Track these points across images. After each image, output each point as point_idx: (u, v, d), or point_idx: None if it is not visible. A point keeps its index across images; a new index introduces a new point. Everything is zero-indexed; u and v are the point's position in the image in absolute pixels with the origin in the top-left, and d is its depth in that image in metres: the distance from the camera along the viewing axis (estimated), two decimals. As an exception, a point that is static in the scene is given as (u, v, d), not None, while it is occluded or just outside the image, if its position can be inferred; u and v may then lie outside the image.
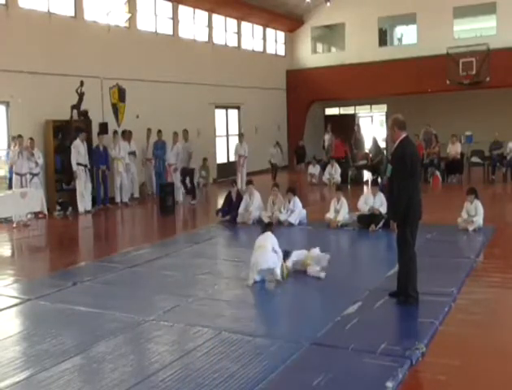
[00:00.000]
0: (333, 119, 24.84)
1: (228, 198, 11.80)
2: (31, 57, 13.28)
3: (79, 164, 13.31)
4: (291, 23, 24.33)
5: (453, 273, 7.02)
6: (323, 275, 7.04)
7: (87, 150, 13.59)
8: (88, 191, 13.65)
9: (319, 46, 26.03)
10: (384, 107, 25.82)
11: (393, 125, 5.84)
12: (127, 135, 15.14)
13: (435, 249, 8.50)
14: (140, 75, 16.16)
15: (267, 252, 6.89)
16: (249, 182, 11.99)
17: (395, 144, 5.87)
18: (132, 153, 15.27)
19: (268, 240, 7.04)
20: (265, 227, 7.59)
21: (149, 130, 15.91)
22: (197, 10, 19.34)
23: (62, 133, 13.89)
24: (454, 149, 17.18)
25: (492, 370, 4.55)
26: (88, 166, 13.66)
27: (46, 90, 13.43)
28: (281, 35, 24.57)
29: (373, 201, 10.29)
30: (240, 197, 11.65)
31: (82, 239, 11.50)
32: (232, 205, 11.61)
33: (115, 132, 14.91)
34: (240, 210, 11.33)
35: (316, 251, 7.47)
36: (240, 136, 18.01)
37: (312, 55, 24.71)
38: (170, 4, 18.05)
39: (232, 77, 20.30)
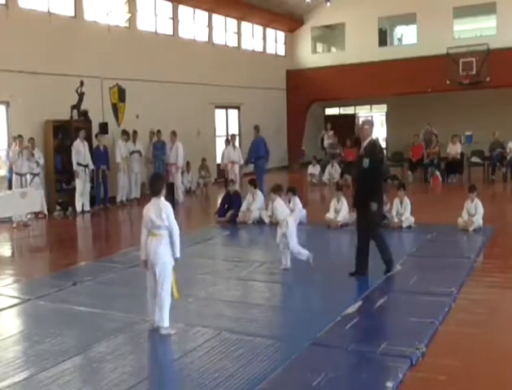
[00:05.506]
0: (333, 118, 24.80)
1: (226, 198, 11.80)
2: (31, 57, 13.26)
3: (79, 164, 13.32)
4: (291, 23, 24.31)
5: (453, 273, 7.02)
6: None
7: (88, 150, 13.57)
8: (87, 191, 13.65)
9: (319, 46, 26.02)
10: (384, 107, 25.82)
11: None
12: (131, 135, 15.12)
13: (435, 249, 8.52)
14: (140, 75, 16.14)
15: None
16: (251, 183, 11.97)
17: None
18: (137, 152, 15.22)
19: None
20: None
21: (152, 132, 15.91)
22: (197, 10, 19.32)
23: (62, 133, 13.89)
24: (454, 149, 17.17)
25: (492, 370, 4.54)
26: (92, 167, 13.65)
27: (46, 90, 13.42)
28: (281, 35, 24.55)
29: None
30: (238, 197, 11.66)
31: (82, 239, 11.49)
32: (230, 205, 11.62)
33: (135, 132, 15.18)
34: (242, 208, 11.33)
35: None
36: (233, 137, 15.75)
37: (312, 55, 24.69)
38: (170, 4, 18.04)
39: (232, 77, 20.28)
